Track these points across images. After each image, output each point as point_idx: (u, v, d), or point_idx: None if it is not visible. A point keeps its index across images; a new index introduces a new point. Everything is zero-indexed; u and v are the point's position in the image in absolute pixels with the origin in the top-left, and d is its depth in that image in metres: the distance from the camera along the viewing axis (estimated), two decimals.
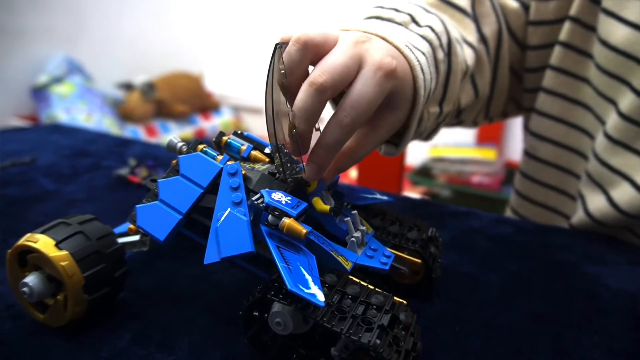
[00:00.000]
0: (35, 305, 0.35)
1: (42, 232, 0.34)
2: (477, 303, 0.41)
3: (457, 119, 0.63)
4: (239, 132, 0.41)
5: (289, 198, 0.32)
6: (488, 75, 0.61)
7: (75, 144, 0.90)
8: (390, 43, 0.39)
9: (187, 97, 2.56)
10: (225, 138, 0.39)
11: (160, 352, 0.34)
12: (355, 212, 0.37)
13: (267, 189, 0.32)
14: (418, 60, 0.40)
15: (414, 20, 0.47)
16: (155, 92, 2.40)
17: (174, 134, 0.39)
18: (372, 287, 0.31)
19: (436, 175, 2.19)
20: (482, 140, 2.27)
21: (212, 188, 0.33)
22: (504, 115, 0.71)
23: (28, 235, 0.34)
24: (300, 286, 0.27)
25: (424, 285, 0.41)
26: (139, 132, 2.32)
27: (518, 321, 0.39)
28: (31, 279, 0.34)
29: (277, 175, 0.35)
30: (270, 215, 0.31)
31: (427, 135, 0.56)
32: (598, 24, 0.54)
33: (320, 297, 0.27)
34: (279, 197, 0.32)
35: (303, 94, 0.33)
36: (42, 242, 0.33)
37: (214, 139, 0.39)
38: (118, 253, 0.37)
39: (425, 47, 0.44)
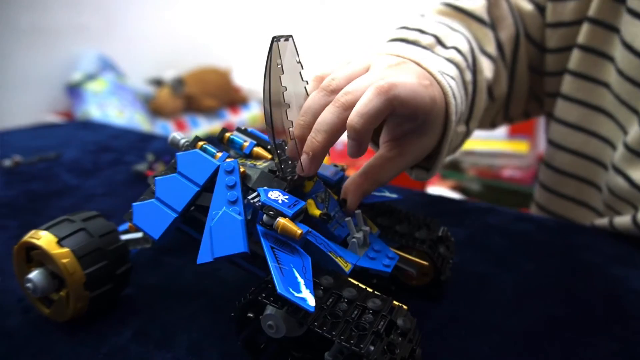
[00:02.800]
0: (41, 300, 0.36)
1: (46, 229, 0.35)
2: (488, 305, 0.39)
3: None
4: (243, 128, 0.40)
5: (287, 197, 0.31)
6: (504, 79, 0.58)
7: (100, 139, 0.92)
8: (424, 68, 0.38)
9: (215, 92, 2.59)
10: (227, 134, 0.39)
11: (158, 350, 0.33)
12: (358, 211, 0.36)
13: (264, 188, 0.32)
14: (450, 86, 0.39)
15: (439, 42, 0.46)
16: (184, 87, 2.44)
17: (200, 129, 0.39)
18: (371, 290, 0.30)
19: (466, 169, 2.13)
20: (514, 132, 2.19)
21: (210, 186, 0.33)
22: (525, 115, 0.68)
23: (33, 231, 0.35)
24: (291, 289, 0.26)
25: (432, 287, 0.39)
26: (169, 127, 2.37)
27: (531, 325, 0.37)
28: (35, 275, 0.34)
29: (277, 173, 0.34)
30: (265, 215, 0.30)
31: (452, 151, 0.55)
32: (622, 25, 0.50)
33: (311, 301, 0.26)
34: (276, 195, 0.31)
35: (325, 107, 0.33)
36: (45, 239, 0.34)
37: (216, 135, 0.39)
38: (121, 250, 0.37)
39: (454, 71, 0.43)
